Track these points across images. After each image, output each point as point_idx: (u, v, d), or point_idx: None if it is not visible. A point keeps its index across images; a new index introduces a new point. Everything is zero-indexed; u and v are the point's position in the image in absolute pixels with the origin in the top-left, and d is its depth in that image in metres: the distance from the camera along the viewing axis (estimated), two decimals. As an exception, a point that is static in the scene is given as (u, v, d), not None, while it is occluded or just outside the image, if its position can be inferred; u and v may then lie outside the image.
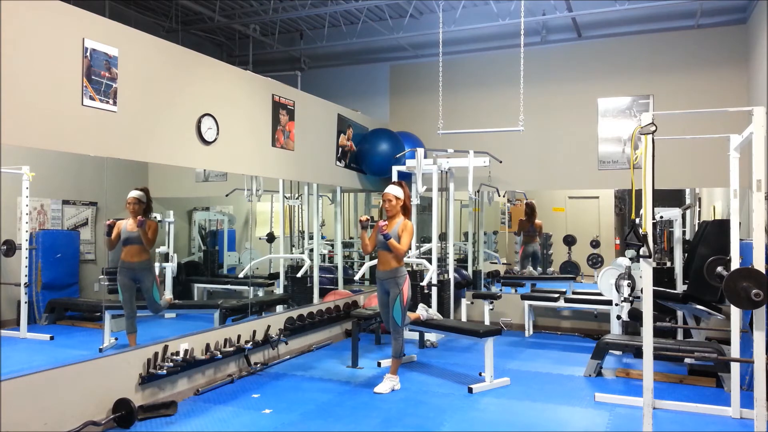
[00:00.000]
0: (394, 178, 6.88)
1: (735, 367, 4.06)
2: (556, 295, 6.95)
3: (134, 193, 4.70)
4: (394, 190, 4.84)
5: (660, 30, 6.97)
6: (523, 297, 7.15)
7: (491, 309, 6.92)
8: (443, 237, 7.30)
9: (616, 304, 6.04)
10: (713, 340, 5.33)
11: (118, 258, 4.73)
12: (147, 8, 7.41)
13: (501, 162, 7.13)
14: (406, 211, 4.87)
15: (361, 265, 7.35)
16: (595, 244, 7.58)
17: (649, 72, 6.95)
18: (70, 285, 4.95)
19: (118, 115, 3.97)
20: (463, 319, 7.03)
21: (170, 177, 5.51)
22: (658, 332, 5.13)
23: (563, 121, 7.30)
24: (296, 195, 7.33)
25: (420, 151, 6.60)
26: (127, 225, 4.69)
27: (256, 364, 5.24)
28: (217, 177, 5.76)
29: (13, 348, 4.32)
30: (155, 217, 4.90)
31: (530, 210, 7.98)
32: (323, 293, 7.00)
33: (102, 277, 4.78)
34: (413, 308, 5.32)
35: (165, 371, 4.19)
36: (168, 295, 5.44)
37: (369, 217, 4.98)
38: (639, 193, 3.49)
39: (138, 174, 5.08)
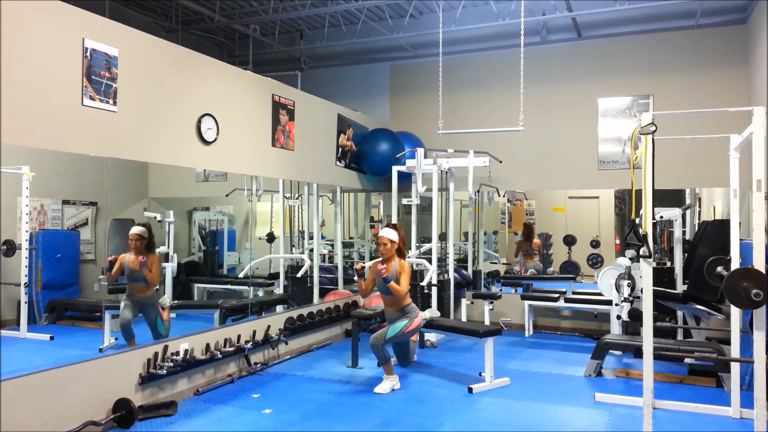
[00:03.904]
0: (394, 178, 6.89)
1: (735, 367, 4.06)
2: (556, 295, 6.95)
3: (136, 229, 4.70)
4: (389, 234, 4.86)
5: (660, 30, 6.97)
6: (523, 297, 7.15)
7: (491, 309, 6.92)
8: (443, 237, 7.29)
9: (616, 304, 6.04)
10: (713, 340, 5.33)
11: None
12: (147, 8, 7.41)
13: (501, 162, 7.13)
14: (400, 252, 4.90)
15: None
16: (595, 244, 7.58)
17: (649, 72, 6.95)
18: (70, 285, 4.95)
19: (118, 115, 3.97)
20: (463, 319, 7.03)
21: (170, 177, 5.51)
22: (658, 332, 5.13)
23: (563, 121, 7.30)
24: (296, 195, 7.33)
25: (420, 151, 6.60)
26: (130, 261, 4.67)
27: (256, 364, 5.24)
28: (217, 177, 5.76)
29: (13, 348, 4.32)
30: (156, 218, 4.90)
31: (528, 231, 8.01)
32: (323, 293, 7.00)
33: (102, 277, 4.78)
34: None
35: (165, 371, 4.19)
36: (168, 301, 5.40)
37: (363, 265, 5.08)
38: (639, 193, 3.49)
39: (138, 174, 5.10)
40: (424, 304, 6.15)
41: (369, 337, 6.59)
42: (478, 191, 7.52)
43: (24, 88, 3.37)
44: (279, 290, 6.78)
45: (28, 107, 3.40)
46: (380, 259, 4.89)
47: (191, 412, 4.16)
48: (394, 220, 6.87)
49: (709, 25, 6.77)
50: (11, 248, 4.48)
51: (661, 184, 4.57)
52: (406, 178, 7.02)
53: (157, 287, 4.89)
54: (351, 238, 8.62)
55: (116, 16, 5.36)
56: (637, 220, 3.52)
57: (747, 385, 4.27)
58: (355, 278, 4.99)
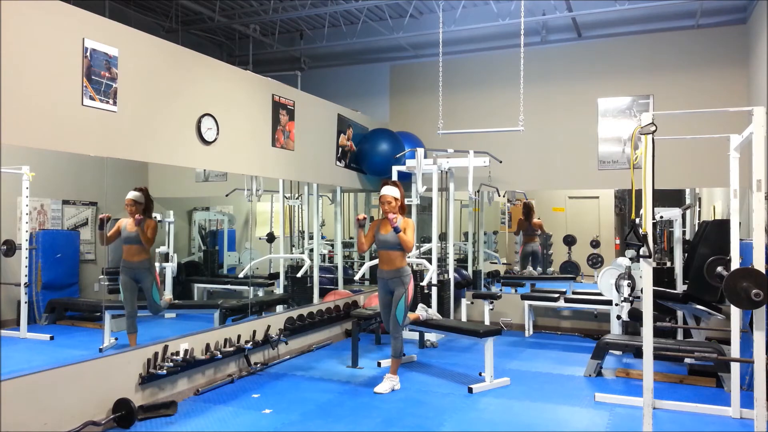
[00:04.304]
0: (394, 178, 6.88)
1: (735, 367, 4.06)
2: (556, 295, 6.95)
3: (131, 194, 4.71)
4: (391, 191, 4.81)
5: (660, 30, 6.97)
6: (523, 297, 7.14)
7: (491, 309, 6.91)
8: (443, 237, 7.29)
9: (616, 304, 6.04)
10: (713, 340, 5.33)
11: (120, 258, 4.74)
12: (147, 8, 7.41)
13: (501, 162, 7.13)
14: (402, 210, 4.87)
15: (361, 265, 7.35)
16: (595, 244, 7.58)
17: (649, 72, 6.95)
18: (70, 285, 4.95)
19: (118, 115, 3.97)
20: (463, 319, 7.03)
21: (170, 177, 5.51)
22: (658, 332, 5.13)
23: (563, 121, 7.30)
24: (296, 195, 7.33)
25: (420, 151, 6.60)
26: (127, 225, 4.71)
27: (256, 364, 5.24)
28: (217, 177, 5.76)
29: (13, 348, 4.32)
30: (155, 217, 4.91)
31: (527, 209, 7.99)
32: (323, 293, 7.00)
33: (102, 277, 4.78)
34: (413, 308, 5.32)
35: (165, 371, 4.19)
36: (168, 295, 5.44)
37: (366, 216, 4.99)
38: (639, 193, 3.49)
39: (138, 174, 5.08)
40: (424, 304, 6.14)
41: (369, 337, 6.63)
42: (478, 191, 7.52)
43: (24, 88, 3.37)
44: (279, 290, 6.78)
45: (28, 107, 3.40)
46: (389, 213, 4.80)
47: (191, 412, 4.16)
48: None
49: (709, 25, 6.77)
50: (11, 248, 4.48)
51: (661, 184, 4.57)
52: (406, 178, 7.02)
53: (153, 260, 4.89)
54: (351, 238, 8.61)
55: (116, 16, 5.36)
56: (637, 220, 3.52)
57: (747, 385, 4.27)
58: (356, 228, 4.94)
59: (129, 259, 4.72)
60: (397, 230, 4.67)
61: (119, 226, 4.70)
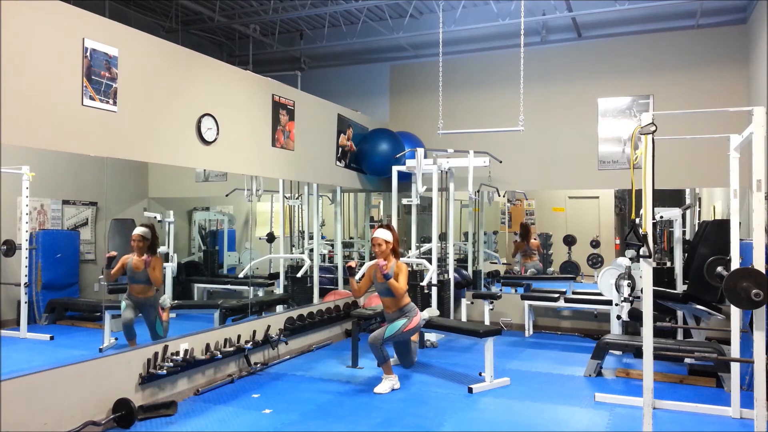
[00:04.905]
0: (394, 177, 6.88)
1: (735, 367, 4.06)
2: (556, 295, 6.95)
3: (140, 230, 4.68)
4: (383, 234, 4.79)
5: (660, 30, 6.97)
6: (523, 297, 7.14)
7: (491, 309, 6.92)
8: (443, 237, 7.29)
9: (616, 304, 6.04)
10: (713, 340, 5.33)
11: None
12: (147, 8, 7.41)
13: (501, 162, 7.13)
14: (395, 253, 4.85)
15: (361, 265, 7.34)
16: (595, 244, 7.58)
17: (649, 72, 6.95)
18: (70, 285, 4.95)
19: (118, 115, 3.97)
20: (463, 319, 7.03)
21: (170, 177, 5.51)
22: (658, 332, 5.13)
23: (563, 121, 7.30)
24: (296, 195, 7.33)
25: (420, 151, 6.60)
26: (132, 262, 4.66)
27: (256, 364, 5.24)
28: (217, 177, 5.76)
29: (13, 348, 4.32)
30: (155, 217, 4.90)
31: (525, 230, 8.00)
32: (323, 293, 7.00)
33: (102, 277, 4.77)
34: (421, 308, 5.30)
35: (165, 371, 4.19)
36: (168, 302, 5.40)
37: (356, 263, 5.01)
38: (639, 193, 3.49)
39: (138, 174, 5.10)
40: (424, 304, 6.15)
41: (369, 336, 6.62)
42: (478, 191, 7.52)
43: (24, 88, 3.37)
44: (279, 290, 6.78)
45: (28, 107, 3.40)
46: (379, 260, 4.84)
47: (191, 412, 4.16)
48: (394, 220, 6.87)
49: (709, 25, 6.77)
50: (11, 248, 4.48)
51: (661, 184, 4.57)
52: (406, 178, 7.02)
53: (158, 288, 4.88)
54: (351, 238, 8.62)
55: (116, 16, 5.36)
56: (637, 220, 3.52)
57: (747, 385, 4.27)
58: (348, 277, 4.93)
59: (135, 295, 4.68)
60: (387, 277, 4.65)
61: (123, 263, 4.64)
